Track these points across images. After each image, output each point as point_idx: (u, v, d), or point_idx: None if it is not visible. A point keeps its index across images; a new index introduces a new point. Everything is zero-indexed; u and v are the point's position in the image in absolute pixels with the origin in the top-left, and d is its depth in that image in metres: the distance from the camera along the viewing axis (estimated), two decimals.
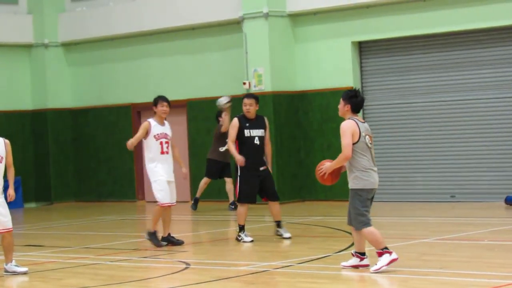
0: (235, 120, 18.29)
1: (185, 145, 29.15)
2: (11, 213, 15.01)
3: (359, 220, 13.56)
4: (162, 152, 18.02)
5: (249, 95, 18.72)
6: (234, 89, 27.78)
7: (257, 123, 18.21)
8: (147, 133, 17.98)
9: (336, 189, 25.88)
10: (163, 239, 18.18)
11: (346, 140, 13.43)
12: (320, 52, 27.37)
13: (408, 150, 26.60)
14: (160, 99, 18.27)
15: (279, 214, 18.37)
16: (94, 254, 17.90)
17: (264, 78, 27.13)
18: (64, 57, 32.51)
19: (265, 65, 27.13)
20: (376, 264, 13.34)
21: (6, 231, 14.99)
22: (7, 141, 15.21)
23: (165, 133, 18.02)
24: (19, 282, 14.81)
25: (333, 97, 25.27)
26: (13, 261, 15.14)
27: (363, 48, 27.34)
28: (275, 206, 18.27)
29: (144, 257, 17.37)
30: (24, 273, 15.07)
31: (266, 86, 27.04)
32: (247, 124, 18.14)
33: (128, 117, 31.12)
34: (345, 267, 13.66)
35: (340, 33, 27.14)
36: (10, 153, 15.20)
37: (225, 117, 24.62)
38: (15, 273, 15.06)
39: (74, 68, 32.53)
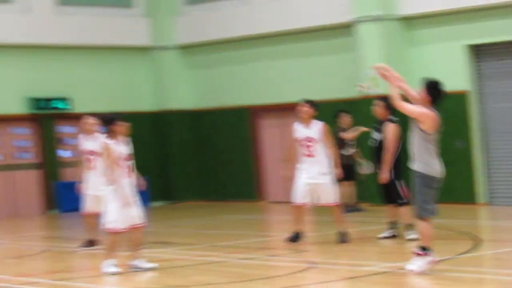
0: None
1: None
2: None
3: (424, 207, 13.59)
4: (306, 155, 18.03)
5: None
6: (348, 92, 27.95)
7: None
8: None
9: (457, 192, 26.08)
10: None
11: (417, 109, 13.90)
12: (434, 56, 27.15)
13: None
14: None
15: (404, 218, 18.21)
16: (222, 252, 18.10)
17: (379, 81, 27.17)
18: (182, 60, 32.90)
19: None
20: (413, 264, 13.47)
21: (135, 227, 15.53)
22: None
23: (308, 136, 18.02)
24: (148, 277, 15.19)
25: (448, 101, 25.24)
26: (140, 258, 15.62)
27: (478, 52, 27.00)
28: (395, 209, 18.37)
29: (271, 256, 17.51)
30: (151, 269, 15.45)
31: (381, 88, 27.11)
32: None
33: (246, 119, 31.47)
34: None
35: (454, 36, 26.86)
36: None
37: (345, 117, 25.08)
38: (140, 269, 15.47)
39: (193, 71, 32.82)
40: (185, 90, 32.82)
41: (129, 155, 15.84)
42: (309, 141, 17.87)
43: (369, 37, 27.49)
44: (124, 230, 15.52)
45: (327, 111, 28.14)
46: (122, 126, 15.73)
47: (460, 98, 26.56)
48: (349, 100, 27.80)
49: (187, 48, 32.79)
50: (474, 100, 26.69)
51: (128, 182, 15.67)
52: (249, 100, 31.33)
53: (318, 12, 29.08)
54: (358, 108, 26.91)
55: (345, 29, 28.26)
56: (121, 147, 15.64)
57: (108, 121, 15.86)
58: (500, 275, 13.90)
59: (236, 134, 31.27)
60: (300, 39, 29.89)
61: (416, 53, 27.61)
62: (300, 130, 18.10)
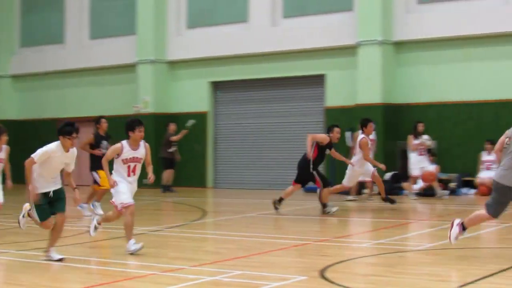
0: None
1: None
2: None
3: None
4: None
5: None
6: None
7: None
8: None
9: (194, 179, 26.29)
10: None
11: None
12: (187, 88, 27.50)
13: (246, 153, 26.89)
14: None
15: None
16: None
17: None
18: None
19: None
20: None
21: None
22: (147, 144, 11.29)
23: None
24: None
25: (196, 117, 25.43)
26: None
27: (216, 86, 27.48)
28: None
29: None
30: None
31: (152, 109, 27.15)
32: None
33: None
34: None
35: (202, 75, 27.39)
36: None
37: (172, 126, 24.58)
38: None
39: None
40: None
41: None
42: None
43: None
44: None
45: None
46: None
47: (202, 116, 26.88)
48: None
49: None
50: (211, 118, 27.07)
51: None
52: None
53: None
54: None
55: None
56: None
57: None
58: (217, 235, 13.96)
59: None
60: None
61: (175, 87, 27.70)
62: None
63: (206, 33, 27.16)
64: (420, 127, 21.11)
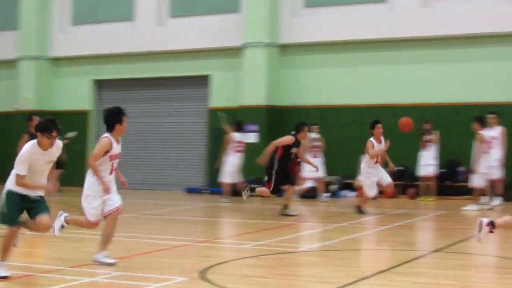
0: None
1: None
2: None
3: None
4: None
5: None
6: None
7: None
8: None
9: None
10: None
11: None
12: (71, 87, 27.00)
13: (129, 153, 26.59)
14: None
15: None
16: None
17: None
18: None
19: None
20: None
21: None
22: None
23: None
24: None
25: (76, 116, 24.94)
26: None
27: (100, 84, 27.25)
28: None
29: None
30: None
31: (32, 106, 26.57)
32: None
33: None
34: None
35: (85, 73, 26.95)
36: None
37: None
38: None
39: None
40: None
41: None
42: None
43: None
44: None
45: None
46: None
47: (85, 114, 26.51)
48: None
49: None
50: (93, 117, 26.72)
51: None
52: None
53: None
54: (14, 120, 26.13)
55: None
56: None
57: None
58: (97, 235, 13.33)
59: None
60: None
61: (58, 84, 27.24)
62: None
63: (91, 31, 26.82)
64: (314, 129, 21.21)
